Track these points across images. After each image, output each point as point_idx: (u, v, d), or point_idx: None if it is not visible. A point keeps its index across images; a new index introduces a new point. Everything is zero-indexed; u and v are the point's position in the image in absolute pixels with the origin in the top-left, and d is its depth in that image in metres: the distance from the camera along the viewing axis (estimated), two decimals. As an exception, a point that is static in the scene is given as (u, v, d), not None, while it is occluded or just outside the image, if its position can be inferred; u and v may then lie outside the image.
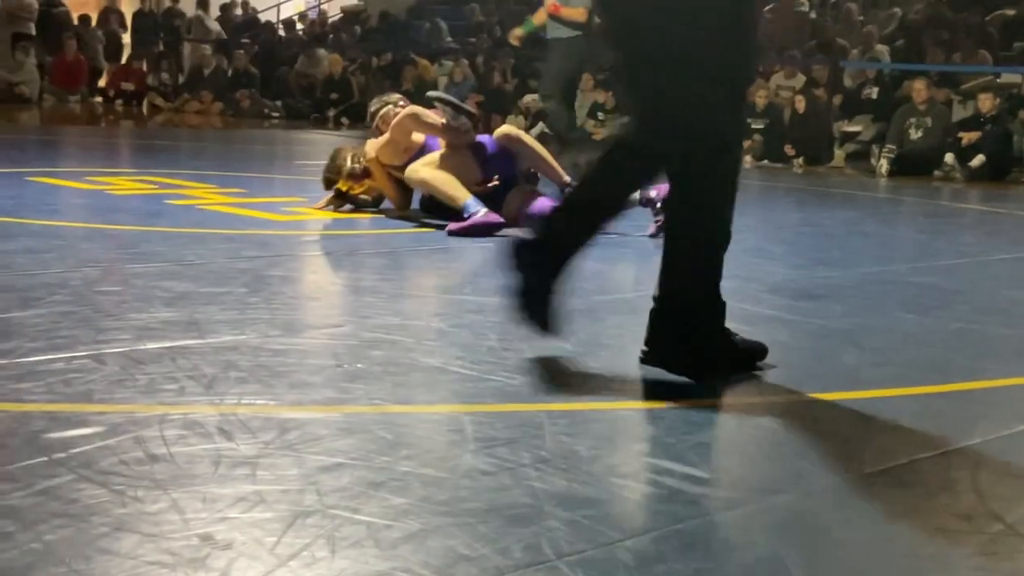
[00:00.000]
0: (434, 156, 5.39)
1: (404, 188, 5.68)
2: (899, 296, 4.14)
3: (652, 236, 5.16)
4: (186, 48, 18.17)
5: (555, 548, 1.69)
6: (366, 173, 5.63)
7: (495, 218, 5.07)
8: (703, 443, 2.28)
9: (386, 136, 5.55)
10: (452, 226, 5.08)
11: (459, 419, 2.32)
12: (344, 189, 5.66)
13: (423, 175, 5.28)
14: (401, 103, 5.85)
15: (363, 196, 5.71)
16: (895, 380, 2.88)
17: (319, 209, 5.70)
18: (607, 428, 2.35)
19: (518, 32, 9.41)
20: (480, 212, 5.07)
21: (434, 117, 5.43)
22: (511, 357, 2.83)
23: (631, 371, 2.85)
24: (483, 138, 5.53)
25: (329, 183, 5.76)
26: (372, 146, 5.61)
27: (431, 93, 5.79)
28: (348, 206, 5.75)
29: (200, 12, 18.69)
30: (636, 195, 5.27)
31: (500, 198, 5.37)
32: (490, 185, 5.38)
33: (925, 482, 2.13)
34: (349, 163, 5.63)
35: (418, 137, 5.53)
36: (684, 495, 1.96)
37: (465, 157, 5.39)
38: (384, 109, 5.84)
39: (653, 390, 2.71)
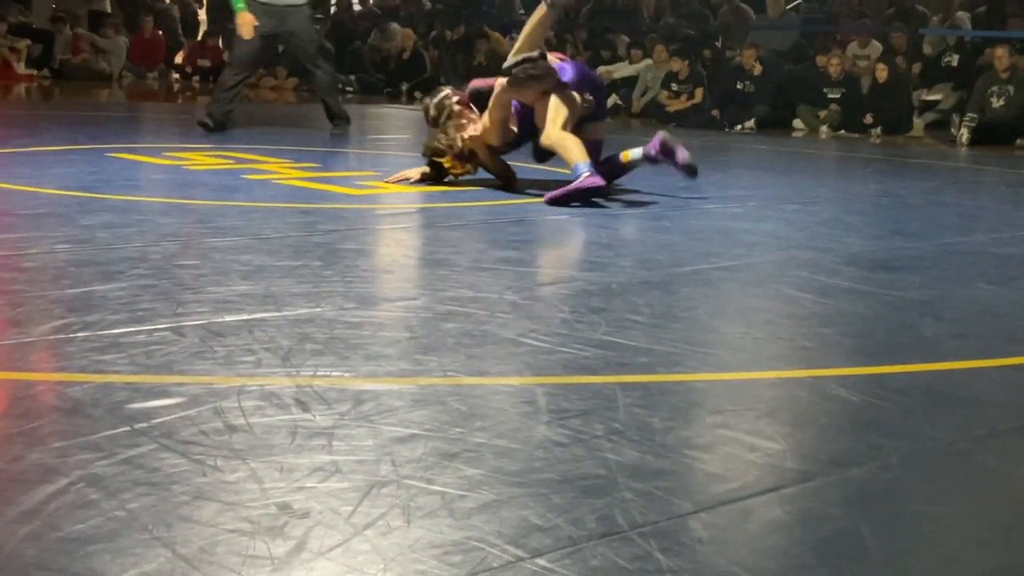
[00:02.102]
0: (554, 112, 5.43)
1: (506, 162, 5.80)
2: (979, 267, 4.07)
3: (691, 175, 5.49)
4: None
5: (628, 519, 1.70)
6: (472, 155, 5.67)
7: (595, 181, 5.10)
8: (777, 415, 2.26)
9: (486, 121, 5.59)
10: (550, 194, 5.11)
11: (532, 391, 2.33)
12: (447, 166, 5.66)
13: (554, 139, 5.37)
14: (455, 96, 5.80)
15: (457, 174, 5.73)
16: (975, 352, 2.83)
17: (392, 183, 5.72)
18: (680, 400, 2.35)
19: (247, 20, 8.36)
20: (583, 175, 5.12)
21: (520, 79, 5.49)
22: (584, 329, 2.83)
23: (704, 343, 2.84)
24: (559, 67, 5.60)
25: (436, 153, 5.68)
26: (475, 133, 5.64)
27: (506, 65, 5.75)
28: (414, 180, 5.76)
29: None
30: (639, 154, 5.50)
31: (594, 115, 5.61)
32: (587, 100, 5.53)
33: (1006, 454, 2.10)
34: (459, 143, 5.61)
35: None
36: (758, 467, 1.95)
37: (565, 91, 5.47)
38: (446, 108, 5.72)
39: (726, 362, 2.70)
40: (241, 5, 8.23)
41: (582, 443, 2.02)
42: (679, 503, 1.77)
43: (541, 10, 5.60)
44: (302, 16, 8.59)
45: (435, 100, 5.80)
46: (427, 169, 5.73)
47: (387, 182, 5.76)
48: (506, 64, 5.60)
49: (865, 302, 3.34)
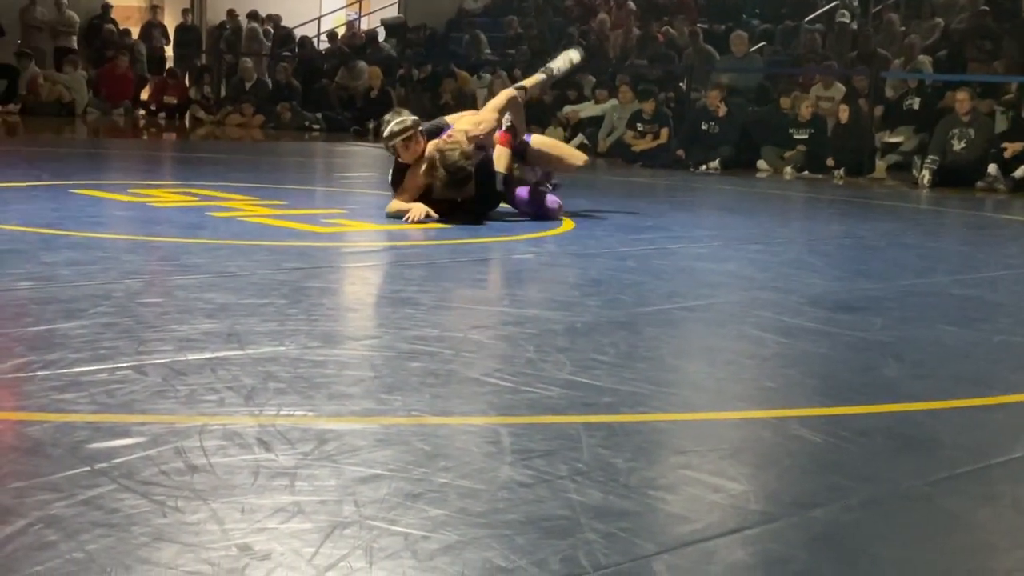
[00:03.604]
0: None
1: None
2: (941, 308, 4.11)
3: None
4: (249, 61, 17.96)
5: (592, 560, 1.69)
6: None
7: None
8: (740, 456, 2.27)
9: (487, 117, 6.08)
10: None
11: (496, 431, 2.33)
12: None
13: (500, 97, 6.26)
14: (419, 126, 5.87)
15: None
16: (936, 393, 2.85)
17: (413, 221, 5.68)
18: (644, 440, 2.35)
19: None
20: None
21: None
22: (548, 369, 2.83)
23: (668, 383, 2.84)
24: None
25: (463, 160, 5.67)
26: (462, 134, 5.90)
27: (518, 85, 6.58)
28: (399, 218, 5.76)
29: (255, 25, 18.81)
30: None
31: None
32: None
33: (965, 496, 2.12)
34: (466, 143, 5.80)
35: None
36: (721, 508, 1.95)
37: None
38: (407, 131, 5.80)
39: (690, 402, 2.71)
40: None
41: (546, 484, 2.01)
42: (642, 544, 1.77)
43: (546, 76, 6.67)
44: None
45: (401, 118, 5.87)
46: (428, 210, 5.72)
47: (409, 221, 5.66)
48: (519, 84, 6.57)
49: (828, 343, 3.36)
